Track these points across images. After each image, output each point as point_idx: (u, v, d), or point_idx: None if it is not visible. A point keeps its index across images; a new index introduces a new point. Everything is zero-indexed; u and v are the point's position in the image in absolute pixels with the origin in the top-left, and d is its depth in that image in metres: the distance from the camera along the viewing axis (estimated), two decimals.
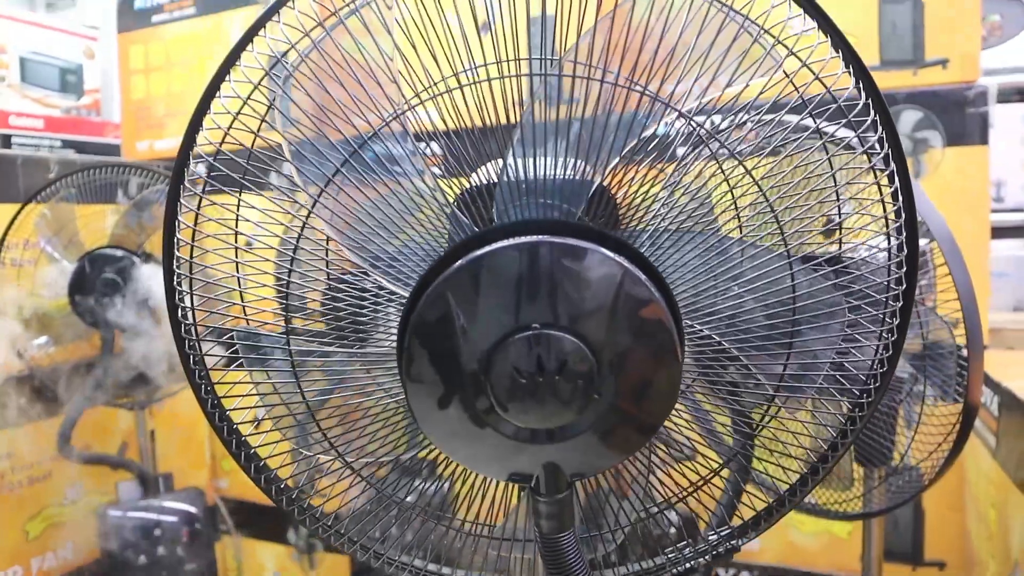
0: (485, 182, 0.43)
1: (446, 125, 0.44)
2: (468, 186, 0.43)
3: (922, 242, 0.70)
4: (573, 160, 0.42)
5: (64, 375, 1.38)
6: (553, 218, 0.38)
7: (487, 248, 0.34)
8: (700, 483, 0.47)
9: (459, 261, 0.34)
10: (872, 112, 0.42)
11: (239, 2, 1.70)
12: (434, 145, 0.45)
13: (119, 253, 1.21)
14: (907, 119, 1.19)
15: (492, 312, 0.34)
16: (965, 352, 0.66)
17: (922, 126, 1.18)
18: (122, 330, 1.19)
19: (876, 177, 0.45)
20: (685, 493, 0.47)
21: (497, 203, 0.41)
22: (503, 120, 0.43)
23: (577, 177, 0.42)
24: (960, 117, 1.17)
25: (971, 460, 1.04)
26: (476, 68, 0.43)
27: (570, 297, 0.34)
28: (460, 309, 0.34)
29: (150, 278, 1.19)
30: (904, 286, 0.42)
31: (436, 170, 0.44)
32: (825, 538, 1.26)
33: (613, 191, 0.41)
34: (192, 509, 1.38)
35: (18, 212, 1.30)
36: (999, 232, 1.88)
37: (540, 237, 0.34)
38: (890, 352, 0.43)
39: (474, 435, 0.36)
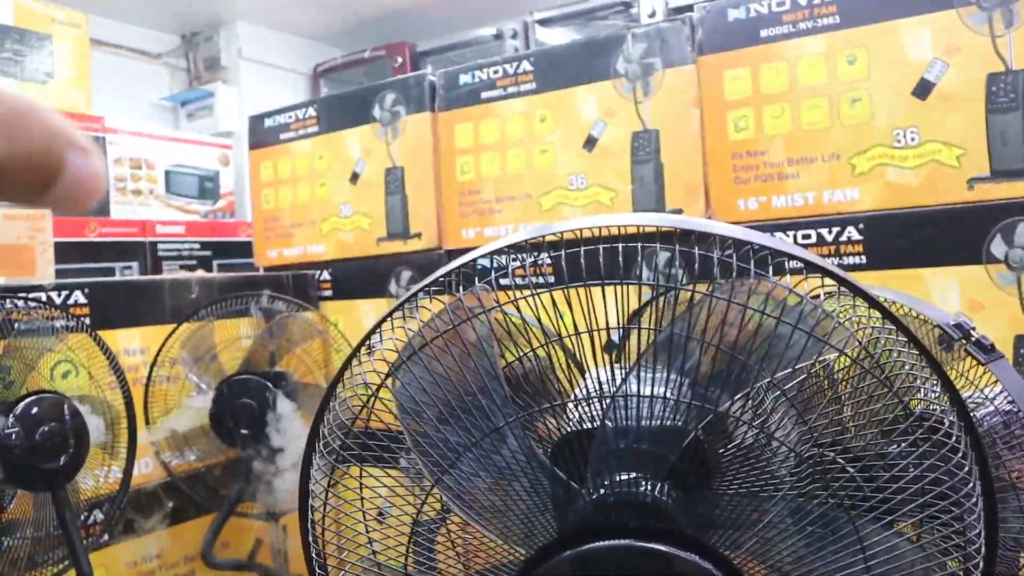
0: (583, 425, 0.47)
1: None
2: (567, 432, 0.47)
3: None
4: (672, 409, 0.45)
5: (203, 483, 1.49)
6: (643, 525, 0.42)
7: (582, 548, 0.39)
8: None
9: (556, 557, 0.39)
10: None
11: (356, 122, 1.82)
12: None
13: (254, 380, 1.31)
14: (659, 260, 1.18)
15: None
16: None
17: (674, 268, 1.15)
18: (259, 453, 1.29)
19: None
20: None
21: (593, 451, 0.45)
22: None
23: (675, 425, 0.45)
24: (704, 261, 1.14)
25: None
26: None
27: None
28: None
29: (284, 403, 1.28)
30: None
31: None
32: None
33: (707, 444, 0.45)
34: None
35: (167, 337, 1.43)
36: None
37: (627, 542, 0.38)
38: None
39: None
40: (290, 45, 3.17)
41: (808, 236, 1.33)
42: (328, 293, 1.90)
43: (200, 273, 2.07)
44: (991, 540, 0.43)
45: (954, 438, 0.41)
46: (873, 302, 0.44)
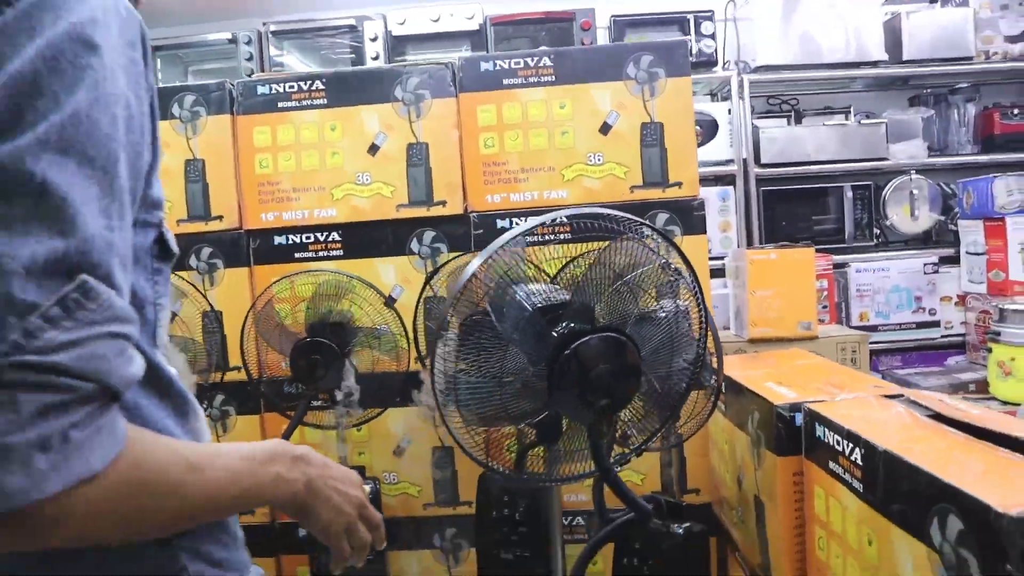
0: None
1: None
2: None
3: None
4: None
5: None
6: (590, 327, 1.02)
7: (580, 341, 0.97)
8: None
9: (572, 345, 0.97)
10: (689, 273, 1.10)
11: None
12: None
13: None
14: (660, 218, 1.95)
15: (587, 359, 0.97)
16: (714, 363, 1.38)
17: (669, 223, 1.94)
18: None
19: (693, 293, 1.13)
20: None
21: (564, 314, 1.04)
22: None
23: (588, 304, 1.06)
24: (689, 217, 1.95)
25: (713, 420, 1.80)
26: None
27: (609, 353, 0.98)
28: (580, 358, 0.96)
29: None
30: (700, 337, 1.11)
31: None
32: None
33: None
34: None
35: None
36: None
37: (589, 337, 0.98)
38: (696, 371, 1.11)
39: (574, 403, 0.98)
40: None
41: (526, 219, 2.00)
42: None
43: None
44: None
45: (698, 295, 1.08)
46: (664, 235, 1.09)
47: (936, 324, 2.99)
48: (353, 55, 2.98)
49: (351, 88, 2.05)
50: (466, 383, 1.00)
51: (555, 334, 1.00)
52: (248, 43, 2.94)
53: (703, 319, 1.11)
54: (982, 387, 2.61)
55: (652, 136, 1.96)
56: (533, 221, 1.06)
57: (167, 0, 3.12)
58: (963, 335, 2.98)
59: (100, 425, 0.54)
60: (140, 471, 0.58)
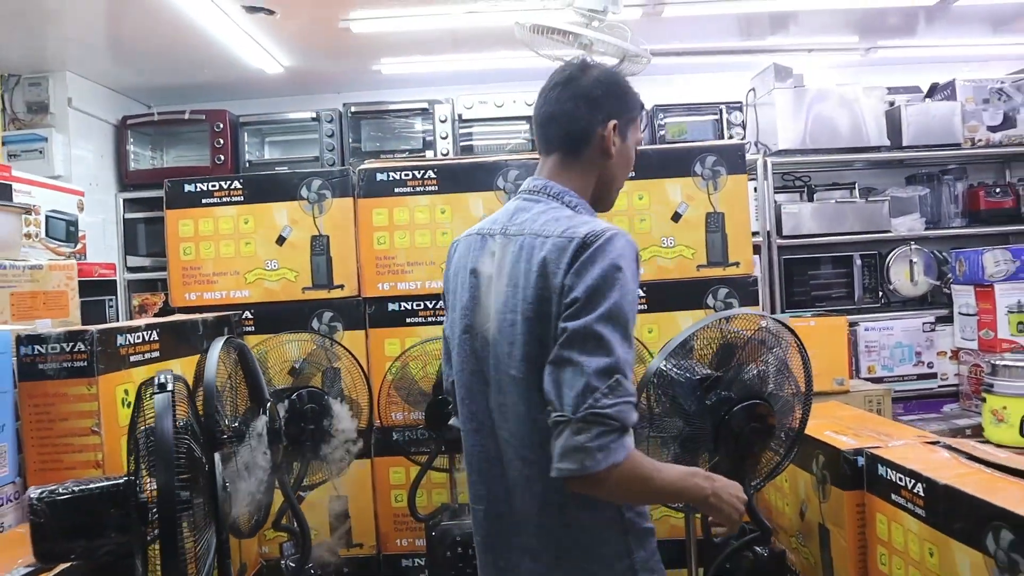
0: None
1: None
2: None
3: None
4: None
5: None
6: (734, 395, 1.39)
7: (739, 406, 1.35)
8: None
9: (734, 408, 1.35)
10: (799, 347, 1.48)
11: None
12: None
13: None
14: (720, 293, 2.34)
15: (742, 420, 1.34)
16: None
17: (728, 296, 2.33)
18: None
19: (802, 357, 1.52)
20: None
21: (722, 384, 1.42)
22: None
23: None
24: (746, 291, 2.34)
25: None
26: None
27: (756, 415, 1.35)
28: (738, 419, 1.33)
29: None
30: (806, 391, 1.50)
31: None
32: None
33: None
34: None
35: None
36: None
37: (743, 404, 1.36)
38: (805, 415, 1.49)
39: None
40: (101, 96, 3.43)
41: None
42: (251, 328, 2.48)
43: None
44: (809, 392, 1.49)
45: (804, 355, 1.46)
46: (781, 321, 1.48)
47: (933, 376, 3.41)
48: (422, 134, 3.37)
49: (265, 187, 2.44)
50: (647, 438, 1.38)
51: (709, 401, 1.38)
52: (330, 121, 3.32)
53: (807, 386, 1.49)
54: (977, 432, 3.00)
55: (715, 224, 2.36)
56: (699, 324, 1.44)
57: (250, 79, 3.48)
58: (956, 385, 3.40)
59: (621, 442, 1.11)
60: (634, 467, 1.14)
